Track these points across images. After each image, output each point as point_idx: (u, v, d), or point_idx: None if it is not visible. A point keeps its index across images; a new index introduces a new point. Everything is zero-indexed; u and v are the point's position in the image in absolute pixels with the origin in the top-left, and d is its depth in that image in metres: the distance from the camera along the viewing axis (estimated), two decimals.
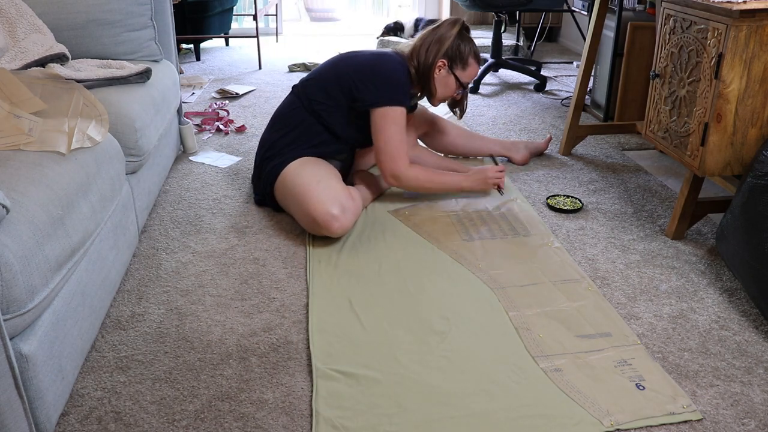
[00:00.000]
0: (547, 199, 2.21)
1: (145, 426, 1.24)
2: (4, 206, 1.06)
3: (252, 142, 2.78)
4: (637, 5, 2.98)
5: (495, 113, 3.22)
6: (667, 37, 1.90)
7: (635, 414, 1.26)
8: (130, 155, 1.79)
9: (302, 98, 2.06)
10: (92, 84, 1.86)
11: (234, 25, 5.30)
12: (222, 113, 3.14)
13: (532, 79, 3.85)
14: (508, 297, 1.65)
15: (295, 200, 1.91)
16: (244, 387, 1.34)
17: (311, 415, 1.27)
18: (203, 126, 2.95)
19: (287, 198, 1.96)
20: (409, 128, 2.33)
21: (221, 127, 2.92)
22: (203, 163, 2.54)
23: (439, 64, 2.06)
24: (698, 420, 1.26)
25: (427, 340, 1.48)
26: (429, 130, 2.46)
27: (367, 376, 1.36)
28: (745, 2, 1.64)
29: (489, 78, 3.93)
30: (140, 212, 1.89)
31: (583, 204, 2.18)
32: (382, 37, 4.35)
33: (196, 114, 3.11)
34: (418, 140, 2.47)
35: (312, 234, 1.92)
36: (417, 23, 4.24)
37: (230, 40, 4.97)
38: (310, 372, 1.39)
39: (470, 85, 2.22)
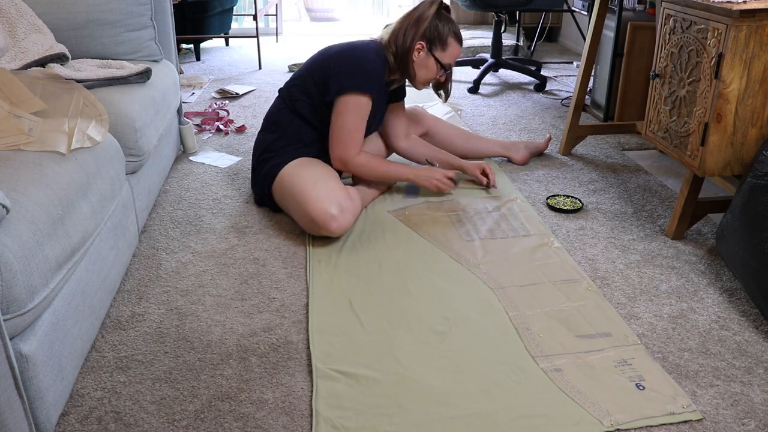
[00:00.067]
0: (547, 199, 2.21)
1: (145, 426, 1.24)
2: (4, 206, 1.06)
3: (252, 142, 2.78)
4: (637, 5, 2.98)
5: (495, 113, 3.22)
6: (667, 37, 1.90)
7: (635, 414, 1.26)
8: (130, 155, 1.79)
9: (286, 100, 2.07)
10: (92, 84, 1.86)
11: (234, 25, 5.30)
12: (222, 113, 3.14)
13: (532, 79, 3.85)
14: (508, 297, 1.65)
15: (294, 201, 1.91)
16: (244, 387, 1.34)
17: (311, 415, 1.27)
18: (203, 126, 2.95)
19: (285, 199, 1.96)
20: (401, 117, 2.30)
21: (221, 127, 2.92)
22: (203, 163, 2.54)
23: (418, 46, 2.02)
24: (698, 420, 1.26)
25: (427, 340, 1.48)
26: (428, 131, 2.46)
27: (367, 376, 1.36)
28: (745, 2, 1.64)
29: (489, 78, 3.93)
30: (140, 212, 1.89)
31: (583, 204, 2.18)
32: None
33: (196, 114, 3.11)
34: None
35: (312, 234, 1.92)
36: None
37: (230, 40, 4.97)
38: (310, 372, 1.39)
39: (453, 66, 2.17)
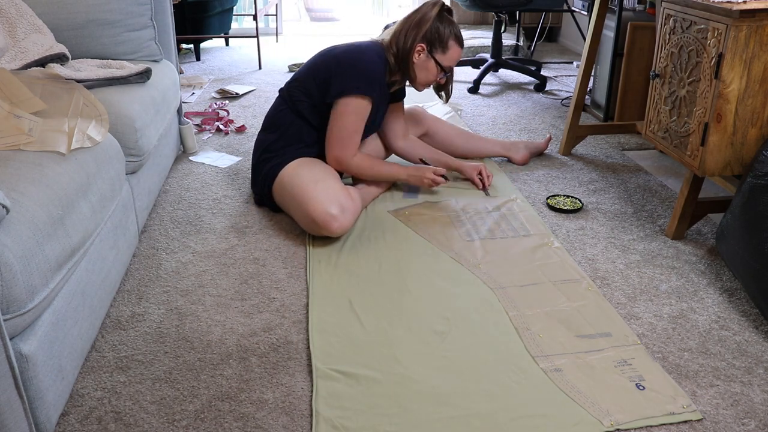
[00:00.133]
0: (547, 199, 2.21)
1: (145, 426, 1.24)
2: (4, 206, 1.06)
3: (252, 142, 2.78)
4: (637, 5, 2.98)
5: (495, 113, 3.22)
6: (667, 37, 1.90)
7: (635, 414, 1.26)
8: (130, 155, 1.79)
9: (287, 100, 2.07)
10: (92, 84, 1.86)
11: (234, 25, 5.30)
12: (222, 113, 3.14)
13: (532, 79, 3.85)
14: (508, 297, 1.65)
15: (294, 201, 1.91)
16: (244, 387, 1.34)
17: (311, 415, 1.27)
18: (203, 126, 2.95)
19: (286, 199, 1.96)
20: (400, 117, 2.30)
21: (221, 127, 2.92)
22: (203, 163, 2.54)
23: (418, 48, 2.02)
24: (698, 420, 1.26)
25: (427, 340, 1.48)
26: (428, 131, 2.46)
27: (367, 376, 1.36)
28: (745, 2, 1.64)
29: (489, 78, 3.93)
30: (140, 212, 1.89)
31: (583, 204, 2.18)
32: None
33: (196, 114, 3.11)
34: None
35: (312, 234, 1.92)
36: None
37: (230, 40, 4.97)
38: (310, 372, 1.39)
39: (454, 68, 2.16)
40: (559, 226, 2.05)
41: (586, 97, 3.23)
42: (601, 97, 3.03)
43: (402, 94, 2.27)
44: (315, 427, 1.23)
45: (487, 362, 1.41)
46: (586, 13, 3.52)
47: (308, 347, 1.46)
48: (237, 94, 3.47)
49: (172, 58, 2.48)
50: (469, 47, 4.34)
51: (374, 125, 2.17)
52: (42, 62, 1.89)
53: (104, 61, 2.08)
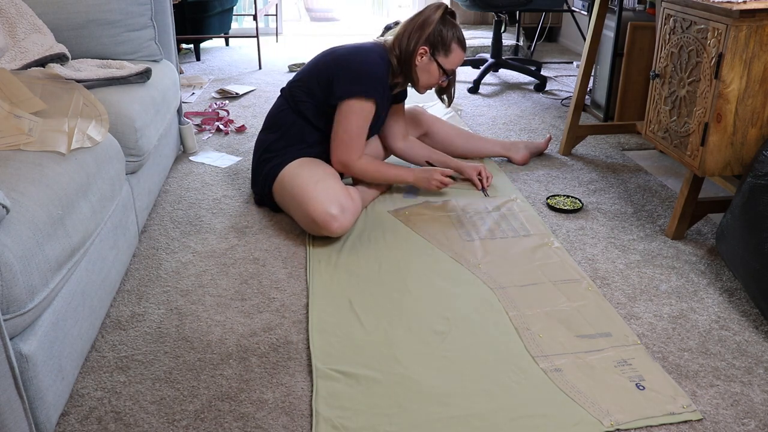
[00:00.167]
0: (547, 199, 2.21)
1: (145, 426, 1.24)
2: (4, 206, 1.06)
3: (252, 142, 2.78)
4: (637, 5, 2.98)
5: (495, 113, 3.22)
6: (667, 37, 1.90)
7: (635, 414, 1.26)
8: (130, 155, 1.79)
9: (289, 100, 2.07)
10: (92, 84, 1.86)
11: (234, 25, 5.30)
12: (222, 113, 3.14)
13: (532, 79, 3.85)
14: (508, 297, 1.65)
15: (294, 201, 1.91)
16: (244, 387, 1.34)
17: (311, 415, 1.27)
18: (203, 126, 2.95)
19: (286, 199, 1.96)
20: (400, 119, 2.30)
21: (221, 127, 2.92)
22: (203, 163, 2.54)
23: (421, 51, 2.02)
24: (698, 420, 1.26)
25: (427, 340, 1.48)
26: (428, 131, 2.46)
27: (367, 376, 1.36)
28: (745, 2, 1.64)
29: (489, 78, 3.93)
30: (140, 212, 1.89)
31: (583, 204, 2.18)
32: (381, 37, 4.36)
33: (196, 114, 3.11)
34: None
35: (312, 234, 1.92)
36: None
37: (230, 40, 4.97)
38: (310, 372, 1.39)
39: (456, 71, 2.16)
40: (559, 226, 2.05)
41: (586, 97, 3.23)
42: (601, 97, 3.03)
43: (403, 96, 2.27)
44: (315, 427, 1.23)
45: (487, 362, 1.41)
46: (586, 13, 3.53)
47: (308, 347, 1.46)
48: (237, 94, 3.47)
49: (172, 58, 2.48)
50: (469, 47, 4.34)
51: (377, 127, 2.17)
52: (42, 62, 1.89)
53: (104, 61, 2.08)
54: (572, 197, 2.22)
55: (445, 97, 2.21)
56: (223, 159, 2.58)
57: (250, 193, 2.26)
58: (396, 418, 1.25)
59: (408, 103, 2.47)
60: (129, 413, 1.27)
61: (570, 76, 3.97)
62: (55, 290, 1.20)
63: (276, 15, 5.08)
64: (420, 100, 3.30)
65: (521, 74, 3.96)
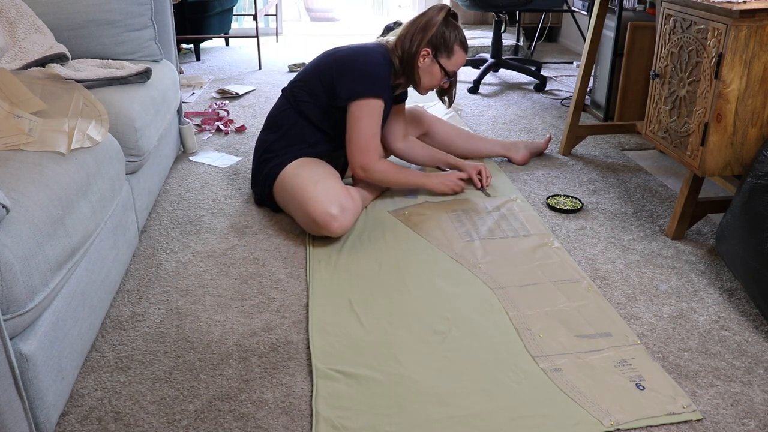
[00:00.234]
0: (547, 199, 2.21)
1: (145, 426, 1.24)
2: (4, 206, 1.06)
3: (252, 142, 2.78)
4: (637, 5, 2.98)
5: (495, 113, 3.22)
6: (667, 37, 1.90)
7: (635, 414, 1.26)
8: (130, 155, 1.79)
9: (290, 100, 2.07)
10: (92, 84, 1.86)
11: (234, 25, 5.30)
12: (222, 113, 3.14)
13: (532, 79, 3.85)
14: (508, 297, 1.65)
15: (294, 201, 1.91)
16: (244, 387, 1.34)
17: (311, 415, 1.27)
18: (203, 126, 2.95)
19: (286, 199, 1.96)
20: (400, 119, 2.30)
21: (221, 127, 2.92)
22: (203, 163, 2.54)
23: (423, 52, 2.03)
24: (698, 420, 1.26)
25: (427, 340, 1.48)
26: (428, 131, 2.46)
27: (367, 376, 1.36)
28: (745, 2, 1.64)
29: (489, 78, 3.93)
30: (140, 212, 1.89)
31: (583, 204, 2.18)
32: (381, 37, 4.36)
33: (196, 114, 3.11)
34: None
35: (312, 234, 1.92)
36: None
37: (230, 40, 4.97)
38: (310, 372, 1.39)
39: (458, 73, 2.17)
40: (559, 226, 2.05)
41: (586, 97, 3.23)
42: (601, 97, 3.03)
43: (404, 96, 2.27)
44: (315, 427, 1.23)
45: (487, 362, 1.41)
46: (586, 13, 3.53)
47: (308, 347, 1.46)
48: (237, 94, 3.48)
49: (172, 58, 2.48)
50: (470, 47, 4.34)
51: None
52: (42, 62, 1.89)
53: (104, 61, 2.08)
54: (572, 197, 2.22)
55: (445, 98, 2.22)
56: (223, 159, 2.58)
57: (250, 193, 2.26)
58: (396, 418, 1.25)
59: (408, 104, 2.47)
60: (129, 413, 1.27)
61: (570, 76, 3.97)
62: (55, 290, 1.20)
63: (276, 15, 5.09)
64: (420, 100, 3.30)
65: (521, 74, 3.96)
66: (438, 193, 2.19)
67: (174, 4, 3.83)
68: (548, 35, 4.96)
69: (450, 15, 2.06)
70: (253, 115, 3.16)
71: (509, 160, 2.56)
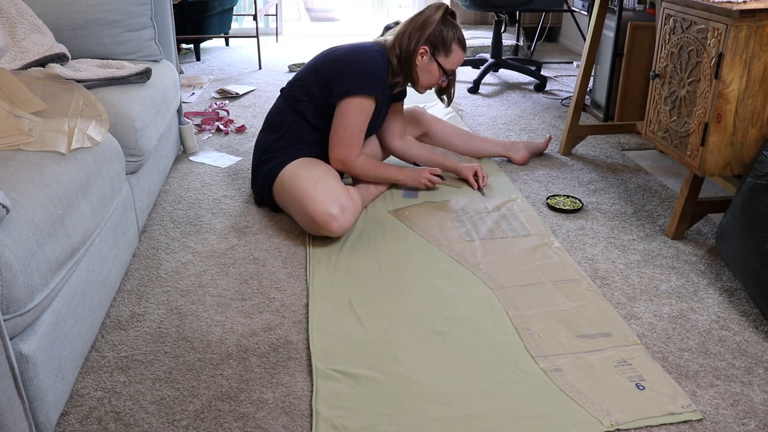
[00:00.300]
0: (547, 199, 2.21)
1: (145, 426, 1.24)
2: (4, 206, 1.06)
3: (252, 142, 2.78)
4: (637, 5, 2.98)
5: (495, 113, 3.22)
6: (667, 37, 1.90)
7: (635, 414, 1.26)
8: (130, 155, 1.79)
9: (288, 100, 2.07)
10: (92, 84, 1.86)
11: (234, 25, 5.30)
12: (222, 113, 3.14)
13: (532, 79, 3.85)
14: (508, 297, 1.65)
15: (294, 201, 1.91)
16: (244, 387, 1.34)
17: (311, 415, 1.27)
18: (203, 126, 2.95)
19: (286, 199, 1.96)
20: (398, 117, 2.30)
21: (221, 127, 2.92)
22: (203, 163, 2.54)
23: (421, 51, 2.02)
24: (698, 420, 1.26)
25: (427, 340, 1.48)
26: (428, 131, 2.46)
27: (367, 376, 1.36)
28: (745, 2, 1.64)
29: (489, 78, 3.93)
30: (140, 212, 1.89)
31: (583, 204, 2.18)
32: (381, 37, 4.36)
33: (196, 114, 3.11)
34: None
35: (312, 234, 1.92)
36: None
37: (230, 40, 4.97)
38: (310, 372, 1.39)
39: (456, 71, 2.17)
40: (559, 226, 2.05)
41: (586, 97, 3.23)
42: (601, 97, 3.03)
43: (402, 95, 2.27)
44: (315, 427, 1.23)
45: (487, 362, 1.41)
46: (586, 13, 3.53)
47: (308, 347, 1.46)
48: (237, 94, 3.47)
49: (172, 58, 2.48)
50: (469, 47, 4.34)
51: (376, 126, 2.17)
52: (42, 62, 1.89)
53: (104, 61, 2.08)
54: (572, 197, 2.22)
55: (444, 97, 2.22)
56: (223, 159, 2.58)
57: (250, 193, 2.26)
58: (396, 418, 1.25)
59: (408, 103, 2.47)
60: (129, 413, 1.27)
61: (570, 76, 3.97)
62: (55, 290, 1.20)
63: (276, 15, 5.09)
64: (420, 100, 3.30)
65: (521, 74, 3.96)
66: (411, 186, 2.23)
67: (174, 4, 3.83)
68: (548, 35, 4.96)
69: (448, 13, 2.06)
70: (253, 115, 3.16)
71: (509, 160, 2.56)
